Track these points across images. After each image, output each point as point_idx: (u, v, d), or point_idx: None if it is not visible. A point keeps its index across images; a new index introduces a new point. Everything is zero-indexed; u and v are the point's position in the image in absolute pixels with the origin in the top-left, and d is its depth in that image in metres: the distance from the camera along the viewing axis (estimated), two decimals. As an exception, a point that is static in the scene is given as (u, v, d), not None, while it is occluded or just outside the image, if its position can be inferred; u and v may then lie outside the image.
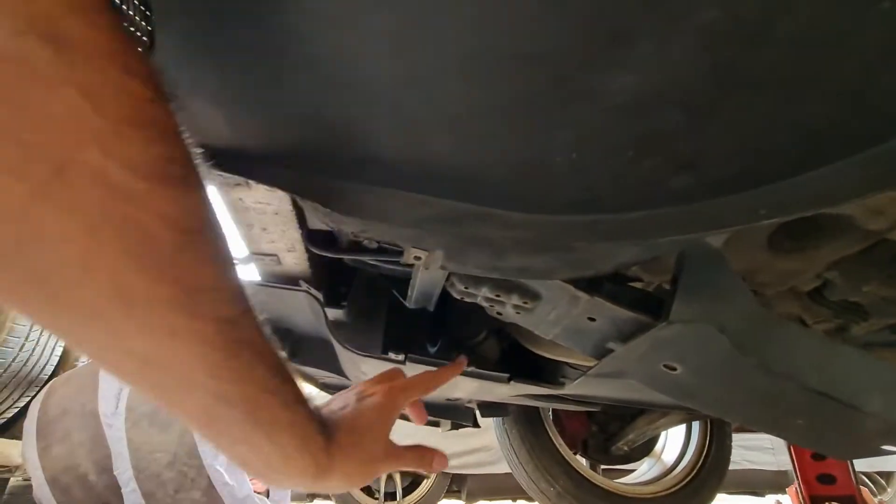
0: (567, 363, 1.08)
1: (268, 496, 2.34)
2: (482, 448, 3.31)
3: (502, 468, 3.46)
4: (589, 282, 0.62)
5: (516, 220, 0.39)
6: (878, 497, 3.50)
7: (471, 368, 0.85)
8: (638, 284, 0.66)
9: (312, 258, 0.82)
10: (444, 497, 3.37)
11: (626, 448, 1.74)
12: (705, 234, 0.44)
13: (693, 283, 0.52)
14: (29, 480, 2.05)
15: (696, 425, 1.83)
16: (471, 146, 0.36)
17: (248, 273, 0.90)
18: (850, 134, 0.34)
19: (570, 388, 0.83)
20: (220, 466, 1.94)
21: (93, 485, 1.93)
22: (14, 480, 3.06)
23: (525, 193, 0.39)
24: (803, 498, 1.97)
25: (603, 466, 1.85)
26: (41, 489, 1.94)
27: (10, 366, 2.21)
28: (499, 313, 0.77)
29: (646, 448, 1.85)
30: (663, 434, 1.90)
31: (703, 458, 1.76)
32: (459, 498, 3.51)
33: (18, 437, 2.15)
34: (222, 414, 0.34)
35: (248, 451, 0.37)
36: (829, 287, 0.73)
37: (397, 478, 3.26)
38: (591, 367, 0.73)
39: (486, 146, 0.36)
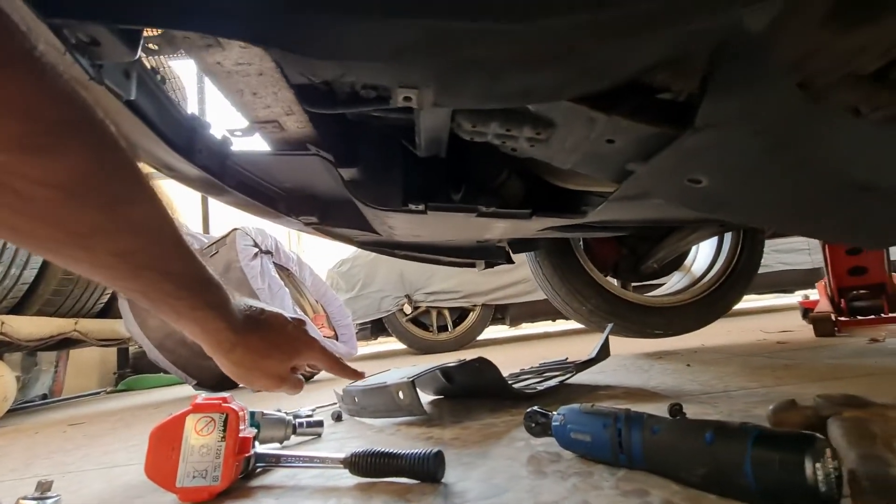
0: (591, 192, 1.06)
1: (336, 339, 2.71)
2: (521, 280, 3.57)
3: (539, 295, 3.78)
4: (606, 100, 0.56)
5: (510, 33, 0.34)
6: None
7: (492, 209, 0.85)
8: (667, 96, 0.59)
9: (315, 119, 0.78)
10: (490, 324, 3.79)
11: (655, 265, 1.82)
12: (743, 12, 0.37)
13: (726, 81, 0.46)
14: (142, 349, 2.44)
15: (727, 236, 1.84)
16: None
17: (256, 144, 0.88)
18: None
19: (592, 216, 0.83)
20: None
21: (191, 344, 2.28)
22: (133, 349, 3.70)
23: (516, -3, 0.33)
24: (830, 290, 2.05)
25: (634, 284, 1.96)
26: (152, 353, 2.33)
27: (87, 261, 2.46)
28: (513, 150, 0.73)
29: (675, 263, 1.92)
30: (695, 248, 1.94)
31: (732, 265, 1.82)
32: (504, 323, 3.94)
33: (118, 316, 2.50)
34: (142, 302, 0.47)
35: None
36: (897, 65, 0.62)
37: (446, 313, 3.66)
38: (610, 193, 0.72)
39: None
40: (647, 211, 0.81)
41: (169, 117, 0.67)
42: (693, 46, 0.42)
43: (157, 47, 0.59)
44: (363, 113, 0.74)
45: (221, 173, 0.83)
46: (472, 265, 1.76)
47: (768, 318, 3.06)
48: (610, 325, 1.33)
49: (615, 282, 1.88)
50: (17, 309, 2.22)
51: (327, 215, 1.09)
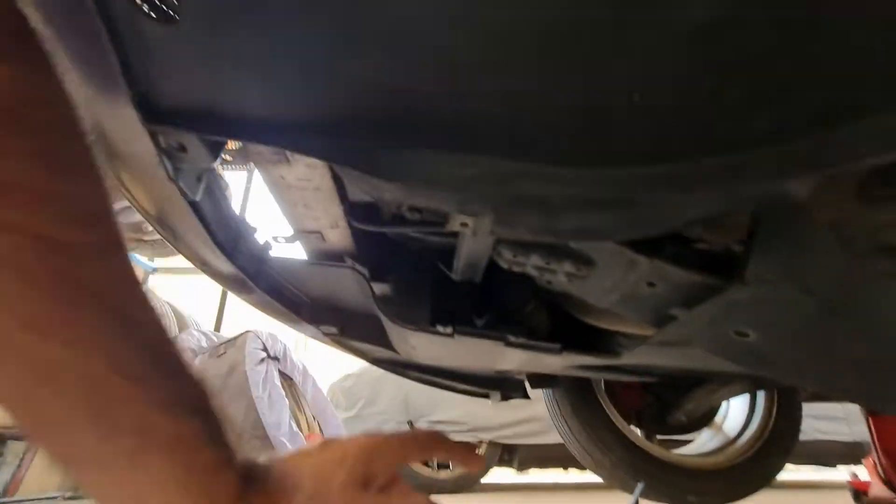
0: (621, 332, 1.03)
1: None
2: (533, 418, 3.32)
3: (553, 438, 3.45)
4: (647, 244, 0.57)
5: (570, 177, 0.36)
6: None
7: (521, 340, 0.82)
8: (704, 246, 0.60)
9: (356, 234, 0.81)
10: (496, 466, 3.43)
11: (683, 418, 1.68)
12: (791, 181, 0.39)
13: (772, 239, 0.46)
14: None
15: (760, 395, 1.72)
16: (517, 94, 0.33)
17: (294, 251, 0.91)
18: None
19: (627, 358, 0.79)
20: (283, 437, 2.05)
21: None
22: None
23: (579, 146, 0.35)
24: (883, 469, 1.83)
25: (659, 437, 1.79)
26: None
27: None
28: (549, 282, 0.73)
29: (705, 418, 1.78)
30: (724, 403, 1.81)
31: (768, 429, 1.67)
32: (511, 466, 3.56)
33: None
34: (54, 401, 0.22)
35: (101, 479, 0.24)
36: (929, 240, 0.64)
37: (449, 447, 3.35)
38: (650, 336, 0.69)
39: (533, 93, 0.32)
40: (684, 359, 0.77)
41: (222, 219, 0.71)
42: (739, 204, 0.43)
43: (231, 159, 0.65)
44: (406, 233, 0.78)
45: (256, 276, 0.84)
46: (487, 395, 1.66)
47: (812, 496, 2.70)
48: (640, 485, 1.18)
49: (639, 432, 1.73)
50: (7, 390, 2.12)
51: (348, 327, 1.07)
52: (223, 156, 0.65)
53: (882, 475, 1.84)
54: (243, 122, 0.39)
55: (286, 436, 2.10)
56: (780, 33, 0.27)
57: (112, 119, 0.48)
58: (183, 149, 0.45)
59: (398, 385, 3.39)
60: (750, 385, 1.39)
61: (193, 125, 0.41)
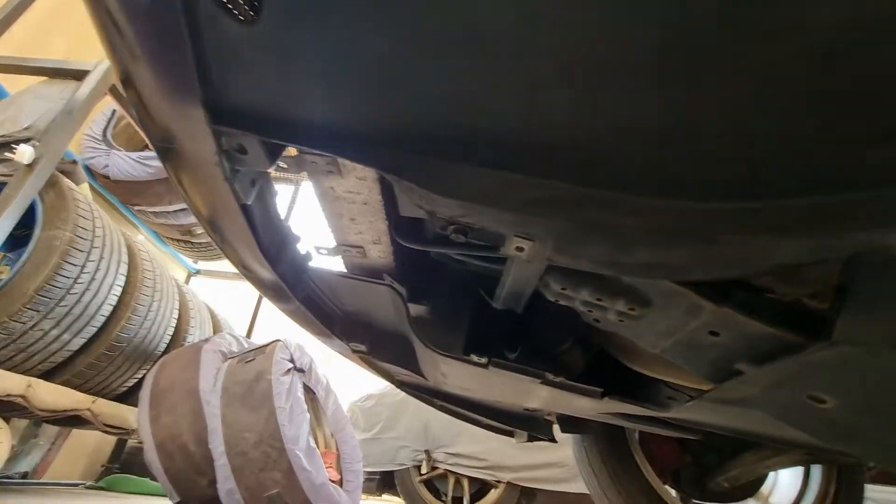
0: (666, 382, 0.96)
1: (341, 485, 2.41)
2: (555, 463, 3.15)
3: (576, 487, 3.25)
4: (711, 287, 0.52)
5: (648, 206, 0.32)
6: None
7: (559, 379, 0.77)
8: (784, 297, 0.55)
9: (397, 252, 0.80)
10: (512, 509, 3.25)
11: (725, 484, 1.54)
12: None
13: (868, 296, 0.41)
14: (141, 444, 2.29)
15: (816, 469, 1.56)
16: (594, 113, 0.30)
17: (334, 265, 0.91)
18: None
19: (676, 412, 0.72)
20: (299, 452, 2.02)
21: (192, 454, 2.11)
22: (131, 442, 3.49)
23: (661, 173, 0.32)
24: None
25: (696, 502, 1.64)
26: (150, 453, 2.16)
27: (132, 341, 2.50)
28: (596, 320, 0.69)
29: (750, 487, 1.62)
30: (772, 473, 1.65)
31: (825, 508, 1.50)
32: (528, 512, 3.37)
33: (135, 404, 2.42)
34: None
35: None
36: None
37: (465, 483, 3.22)
38: (706, 391, 0.63)
39: (613, 112, 0.30)
40: (740, 420, 0.70)
41: (270, 225, 0.71)
42: (836, 252, 0.39)
43: (286, 166, 0.65)
44: (448, 255, 0.76)
45: (295, 285, 0.84)
46: (511, 434, 1.58)
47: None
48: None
49: (673, 493, 1.59)
50: (49, 375, 2.22)
51: (377, 346, 1.05)
52: (279, 163, 0.66)
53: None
54: (306, 129, 0.39)
55: (303, 450, 2.07)
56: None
57: (179, 118, 0.49)
58: (243, 150, 0.45)
59: (419, 412, 3.31)
60: (807, 456, 1.25)
61: (257, 128, 0.40)
